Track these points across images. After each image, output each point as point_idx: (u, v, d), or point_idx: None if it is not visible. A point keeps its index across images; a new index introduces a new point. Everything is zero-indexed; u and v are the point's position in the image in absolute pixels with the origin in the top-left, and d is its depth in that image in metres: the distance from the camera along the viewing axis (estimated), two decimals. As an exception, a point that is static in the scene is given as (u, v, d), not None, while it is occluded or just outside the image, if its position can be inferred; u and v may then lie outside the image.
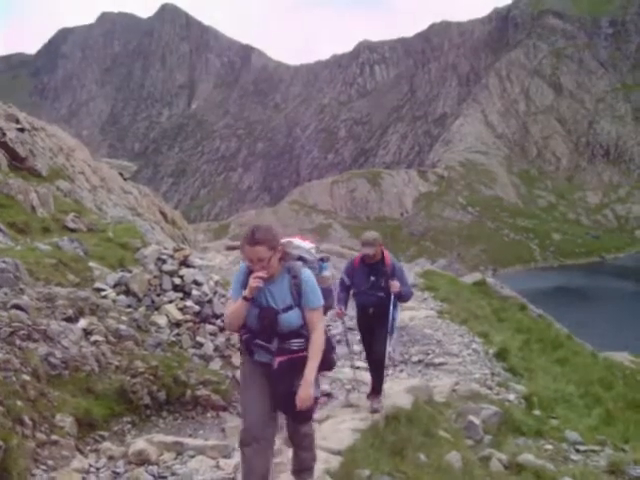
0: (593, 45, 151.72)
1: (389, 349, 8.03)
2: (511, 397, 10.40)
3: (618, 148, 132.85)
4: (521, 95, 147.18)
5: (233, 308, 4.61)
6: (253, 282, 4.43)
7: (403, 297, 8.10)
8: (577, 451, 8.83)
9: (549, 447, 8.68)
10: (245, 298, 4.50)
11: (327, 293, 5.03)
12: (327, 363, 4.81)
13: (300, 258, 4.82)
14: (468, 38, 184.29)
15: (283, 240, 4.76)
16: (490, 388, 10.66)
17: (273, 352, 4.61)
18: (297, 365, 4.58)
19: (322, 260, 5.15)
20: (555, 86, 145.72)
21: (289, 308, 4.59)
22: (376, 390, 8.09)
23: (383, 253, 8.01)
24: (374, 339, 8.05)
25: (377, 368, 8.08)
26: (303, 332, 4.65)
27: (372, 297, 7.95)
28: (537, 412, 10.12)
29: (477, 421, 8.53)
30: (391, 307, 7.93)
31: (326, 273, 5.18)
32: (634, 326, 53.91)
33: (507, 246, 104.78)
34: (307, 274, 4.67)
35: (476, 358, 12.25)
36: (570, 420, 10.39)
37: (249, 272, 4.55)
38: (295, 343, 4.64)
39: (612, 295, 75.23)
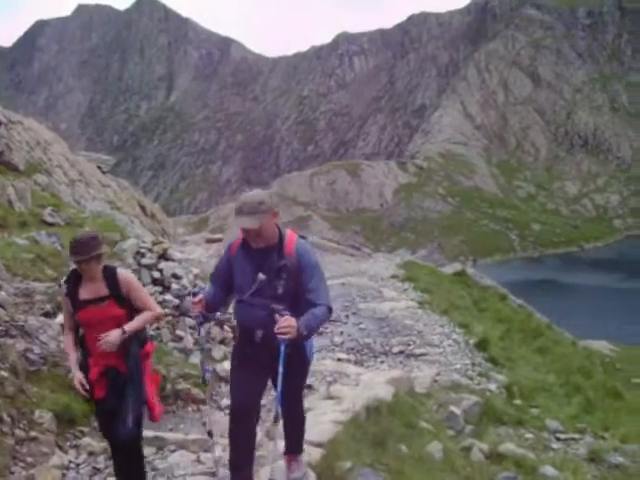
0: (571, 36, 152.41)
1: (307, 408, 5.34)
2: (492, 387, 10.46)
3: (596, 138, 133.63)
4: (500, 86, 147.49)
5: None
6: None
7: (309, 334, 4.36)
8: (557, 439, 8.92)
9: (530, 436, 8.75)
10: None
11: None
12: None
13: None
14: (447, 29, 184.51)
15: None
16: (471, 378, 10.72)
17: None
18: None
19: None
20: (533, 77, 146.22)
21: None
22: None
23: (281, 233, 4.53)
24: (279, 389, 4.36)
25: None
26: None
27: (260, 310, 4.43)
28: (518, 401, 10.20)
29: (458, 411, 8.57)
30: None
31: None
32: (613, 315, 54.39)
33: (487, 236, 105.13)
34: None
35: (457, 348, 12.32)
36: (550, 409, 10.47)
37: None
38: None
39: (591, 284, 75.72)
